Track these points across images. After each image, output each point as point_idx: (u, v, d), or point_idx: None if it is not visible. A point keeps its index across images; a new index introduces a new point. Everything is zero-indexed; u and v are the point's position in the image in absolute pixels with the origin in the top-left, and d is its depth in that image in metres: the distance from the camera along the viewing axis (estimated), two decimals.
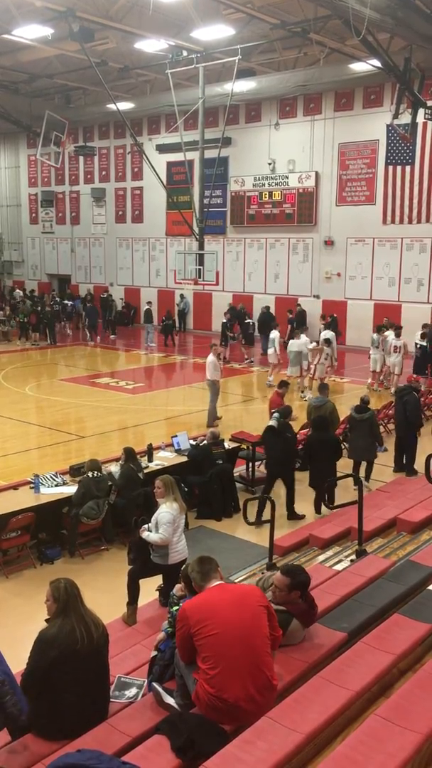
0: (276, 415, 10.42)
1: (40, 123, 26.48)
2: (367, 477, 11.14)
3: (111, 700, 4.55)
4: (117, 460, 9.81)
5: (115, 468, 9.51)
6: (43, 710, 4.22)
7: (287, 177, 26.09)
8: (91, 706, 4.30)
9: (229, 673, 3.98)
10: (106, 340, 27.74)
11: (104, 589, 7.57)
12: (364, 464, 11.28)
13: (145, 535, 6.79)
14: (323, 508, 9.86)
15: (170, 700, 4.32)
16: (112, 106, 25.77)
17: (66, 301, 30.46)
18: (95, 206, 32.52)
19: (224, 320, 24.65)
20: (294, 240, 26.47)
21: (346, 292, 25.28)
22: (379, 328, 19.21)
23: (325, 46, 20.89)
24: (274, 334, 19.29)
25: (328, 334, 18.40)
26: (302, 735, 3.78)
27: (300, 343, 18.05)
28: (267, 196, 26.71)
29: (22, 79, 26.11)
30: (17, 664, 4.50)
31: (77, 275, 33.74)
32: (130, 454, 9.48)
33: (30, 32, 19.18)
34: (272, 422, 10.33)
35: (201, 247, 23.09)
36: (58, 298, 30.61)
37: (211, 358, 15.27)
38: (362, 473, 10.99)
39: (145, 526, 6.87)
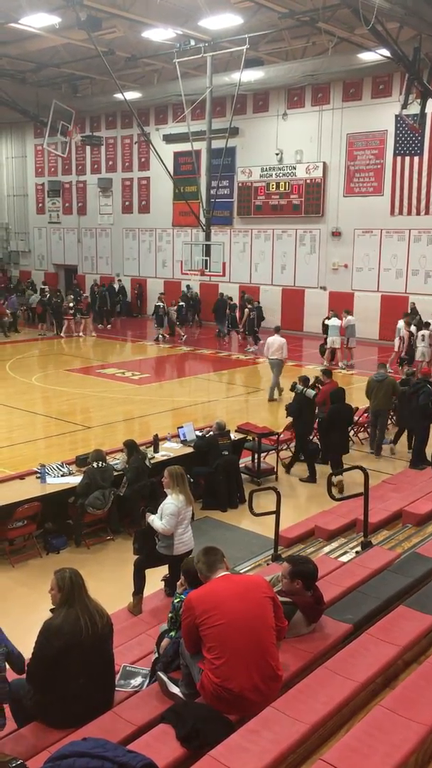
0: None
1: (47, 112, 26.43)
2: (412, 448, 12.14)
3: (116, 689, 4.58)
4: (120, 451, 9.80)
5: (117, 460, 9.51)
6: (49, 699, 4.24)
7: (295, 167, 25.96)
8: (96, 694, 4.32)
9: (235, 663, 3.99)
10: (114, 330, 27.73)
11: (109, 579, 7.59)
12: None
13: (149, 519, 6.83)
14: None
15: (175, 690, 4.34)
16: (119, 96, 25.69)
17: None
18: (102, 196, 32.45)
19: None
20: (301, 231, 26.37)
21: (353, 283, 25.20)
22: (405, 315, 20.73)
23: (334, 36, 20.74)
24: (336, 322, 20.83)
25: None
26: (307, 725, 3.79)
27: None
28: (274, 186, 26.60)
29: (29, 68, 26.01)
30: (23, 653, 4.52)
31: (84, 266, 33.69)
32: (133, 447, 9.49)
33: (37, 21, 19.09)
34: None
35: (208, 237, 23.02)
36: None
37: (276, 338, 16.84)
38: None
39: (151, 512, 6.91)
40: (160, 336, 25.44)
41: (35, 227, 35.46)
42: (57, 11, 18.54)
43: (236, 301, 26.57)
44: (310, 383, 12.01)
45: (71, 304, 26.61)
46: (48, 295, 28.50)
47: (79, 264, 33.86)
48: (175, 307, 26.48)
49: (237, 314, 25.78)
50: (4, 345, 24.59)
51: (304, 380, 11.96)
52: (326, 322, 21.66)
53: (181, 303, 27.33)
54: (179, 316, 26.58)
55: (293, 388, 11.94)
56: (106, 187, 31.99)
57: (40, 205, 35.08)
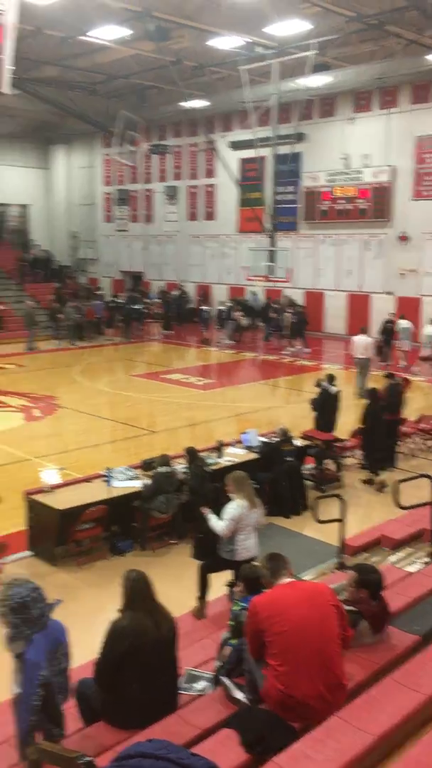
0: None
1: (115, 122, 26.92)
2: None
3: (180, 692, 4.61)
4: (181, 457, 9.89)
5: (182, 465, 9.59)
6: (114, 699, 4.30)
7: (361, 172, 25.67)
8: (161, 697, 4.36)
9: (299, 670, 3.97)
10: (179, 335, 28.03)
11: (174, 582, 7.64)
12: None
13: (208, 517, 6.88)
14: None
15: (239, 695, 4.34)
16: (185, 104, 25.99)
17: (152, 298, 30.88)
18: (168, 204, 32.82)
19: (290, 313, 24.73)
20: (367, 236, 26.05)
21: (422, 288, 24.73)
22: None
23: (402, 38, 20.46)
24: (406, 324, 20.98)
25: None
26: (373, 736, 3.73)
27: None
28: (340, 191, 26.37)
29: (98, 79, 26.58)
30: (89, 654, 4.61)
31: (150, 272, 34.14)
32: (193, 454, 9.57)
33: (107, 33, 19.50)
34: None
35: (273, 243, 23.00)
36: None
37: (362, 337, 17.47)
38: None
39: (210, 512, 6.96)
40: (223, 341, 25.57)
41: (103, 235, 36.13)
42: (126, 23, 18.89)
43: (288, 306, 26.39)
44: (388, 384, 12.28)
45: (138, 309, 27.06)
46: (116, 301, 29.04)
47: (145, 270, 34.32)
48: (241, 313, 26.62)
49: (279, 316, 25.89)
50: (72, 350, 25.12)
51: (329, 378, 12.50)
52: (395, 326, 21.39)
53: (229, 304, 27.40)
54: (227, 319, 26.66)
55: (318, 384, 12.46)
56: (172, 195, 32.34)
57: (108, 213, 35.74)
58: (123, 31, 19.12)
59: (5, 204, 35.40)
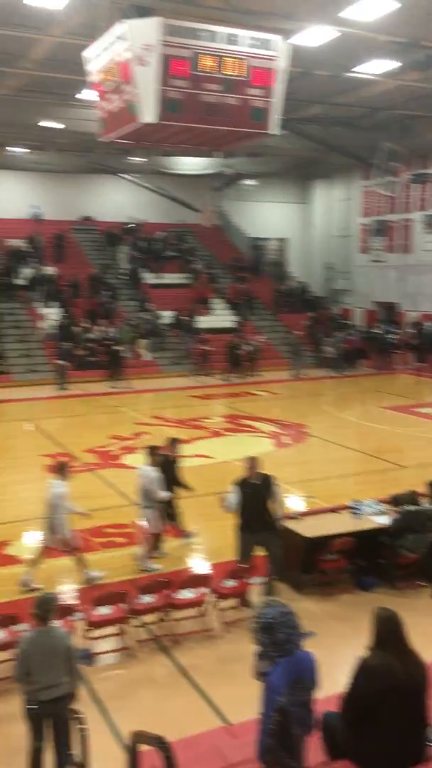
0: None
1: (376, 154, 26.92)
2: None
3: (429, 743, 4.37)
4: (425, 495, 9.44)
5: (429, 506, 9.15)
6: (359, 740, 4.20)
7: None
8: (407, 745, 4.18)
9: None
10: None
11: (422, 628, 7.29)
12: None
13: None
14: None
15: None
16: None
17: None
18: (426, 233, 31.92)
19: None
20: None
21: None
22: None
23: None
24: None
25: None
26: None
27: None
28: None
29: (361, 113, 26.81)
30: (331, 686, 4.57)
31: (404, 303, 33.40)
32: None
33: (374, 68, 19.63)
34: None
35: None
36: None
37: None
38: None
39: None
40: None
41: (357, 266, 36.16)
42: (393, 55, 18.85)
43: None
44: None
45: (392, 340, 26.64)
46: (372, 332, 28.88)
47: (400, 301, 33.65)
48: None
49: None
50: (324, 380, 25.40)
51: None
52: None
53: None
54: None
55: None
56: (431, 224, 31.41)
57: (364, 244, 35.70)
58: (391, 64, 19.11)
59: (265, 238, 37.02)
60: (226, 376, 25.29)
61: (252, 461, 8.40)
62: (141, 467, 9.67)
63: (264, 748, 4.10)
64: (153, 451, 9.74)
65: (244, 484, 8.31)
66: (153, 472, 9.37)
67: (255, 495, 8.21)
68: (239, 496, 8.22)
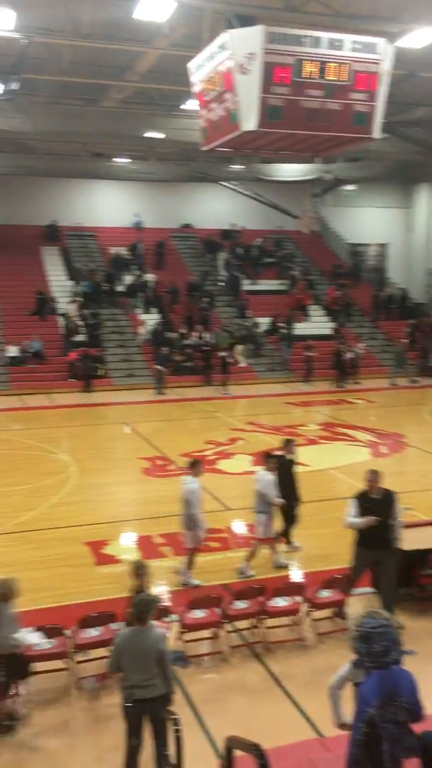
0: None
1: None
2: None
3: None
4: None
5: None
6: None
7: None
8: None
9: None
10: None
11: None
12: None
13: None
14: None
15: None
16: None
17: None
18: None
19: None
20: None
21: None
22: None
23: None
24: None
25: None
26: None
27: None
28: None
29: None
30: (428, 705, 4.42)
31: None
32: None
33: None
34: None
35: None
36: None
37: None
38: None
39: None
40: None
41: None
42: None
43: None
44: None
45: None
46: None
47: None
48: None
49: None
50: (424, 389, 24.72)
51: None
52: None
53: None
54: None
55: None
56: None
57: None
58: None
59: (364, 244, 36.42)
60: (335, 383, 25.05)
61: (373, 474, 7.92)
62: (258, 471, 9.68)
63: (352, 759, 4.04)
64: (269, 456, 9.81)
65: (364, 499, 7.88)
66: (269, 476, 9.39)
67: (375, 511, 7.73)
68: (358, 511, 7.80)
